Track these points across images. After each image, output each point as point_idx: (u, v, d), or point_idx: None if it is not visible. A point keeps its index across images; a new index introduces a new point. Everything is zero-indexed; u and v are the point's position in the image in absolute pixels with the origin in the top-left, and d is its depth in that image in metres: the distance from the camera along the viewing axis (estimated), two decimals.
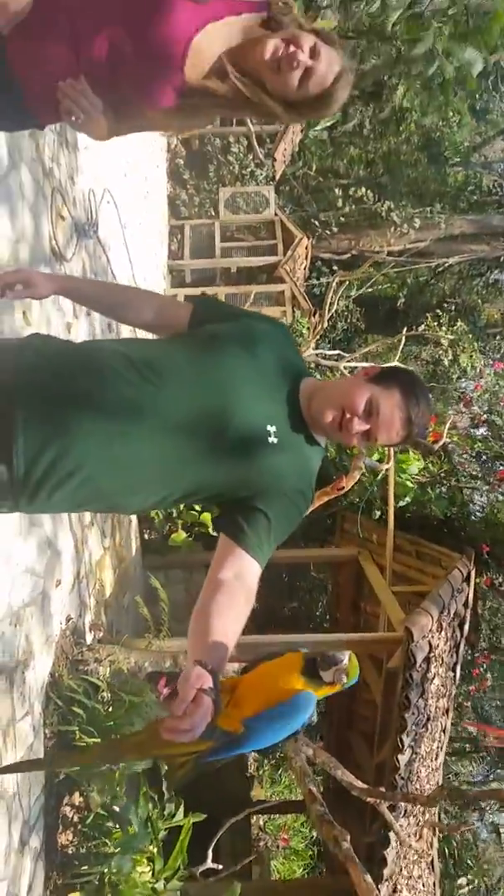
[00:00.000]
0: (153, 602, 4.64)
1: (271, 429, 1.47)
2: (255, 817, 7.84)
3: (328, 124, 10.00)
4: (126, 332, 3.89)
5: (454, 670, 5.11)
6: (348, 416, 1.50)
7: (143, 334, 1.78)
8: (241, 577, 1.43)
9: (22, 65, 1.56)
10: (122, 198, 5.68)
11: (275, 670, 1.50)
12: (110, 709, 3.62)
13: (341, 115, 10.79)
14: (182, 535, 5.52)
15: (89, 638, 4.07)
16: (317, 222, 9.17)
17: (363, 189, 8.95)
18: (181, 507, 5.55)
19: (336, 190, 9.29)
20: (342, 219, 9.16)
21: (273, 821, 8.93)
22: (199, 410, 1.43)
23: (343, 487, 3.60)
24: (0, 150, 3.21)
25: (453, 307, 9.19)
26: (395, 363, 7.29)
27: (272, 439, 1.46)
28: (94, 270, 4.70)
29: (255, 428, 1.46)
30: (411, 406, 1.52)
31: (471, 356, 7.76)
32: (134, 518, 5.57)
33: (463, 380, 8.01)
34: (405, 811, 4.89)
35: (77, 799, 3.58)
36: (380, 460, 4.94)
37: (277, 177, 8.35)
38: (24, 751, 3.11)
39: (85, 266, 4.49)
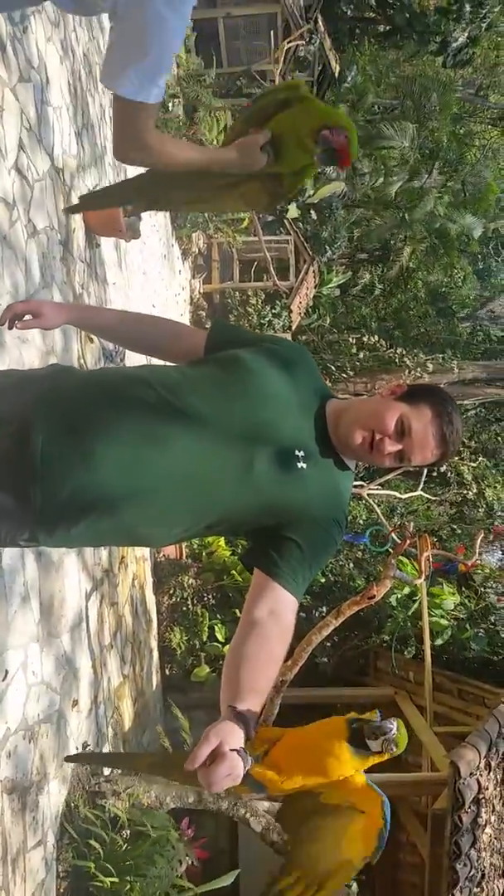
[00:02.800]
0: (174, 745, 4.32)
1: (299, 453, 1.40)
2: None
3: (339, 283, 10.63)
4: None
5: None
6: (379, 436, 1.43)
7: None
8: (275, 613, 1.34)
9: None
10: None
11: (319, 737, 1.35)
12: (129, 847, 3.26)
13: (352, 276, 11.50)
14: (205, 669, 5.25)
15: (107, 770, 3.75)
16: (333, 367, 9.50)
17: (376, 337, 9.33)
18: (204, 637, 5.32)
19: (350, 339, 9.69)
20: (357, 363, 9.48)
21: None
22: (222, 435, 1.37)
23: (374, 596, 3.42)
24: (33, 268, 3.38)
25: (472, 445, 9.27)
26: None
27: (300, 464, 1.40)
28: None
29: (282, 452, 1.39)
30: (444, 423, 1.45)
31: (495, 488, 7.70)
32: (155, 649, 5.32)
33: (492, 515, 7.91)
34: None
35: None
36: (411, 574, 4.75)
37: (294, 326, 8.74)
38: (33, 887, 2.78)
39: None
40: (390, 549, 4.08)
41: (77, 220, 4.03)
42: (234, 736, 1.14)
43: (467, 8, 10.72)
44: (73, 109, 4.09)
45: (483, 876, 4.36)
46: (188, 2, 1.38)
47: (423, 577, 4.17)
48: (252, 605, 1.35)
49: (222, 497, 1.38)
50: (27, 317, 1.51)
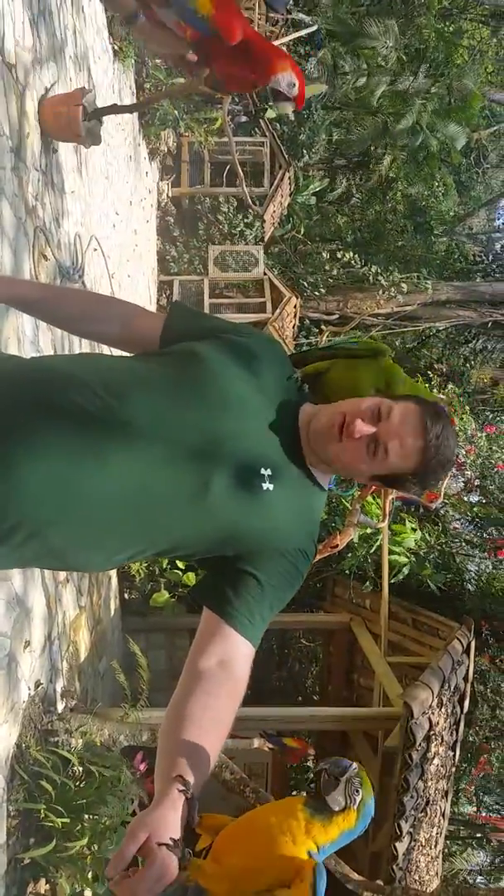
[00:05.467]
0: (131, 668, 4.29)
1: (265, 472, 1.19)
2: None
3: (315, 190, 10.15)
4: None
5: (454, 749, 4.77)
6: (350, 418, 1.23)
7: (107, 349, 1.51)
8: (226, 664, 1.15)
9: None
10: (111, 248, 5.57)
11: (270, 818, 1.16)
12: (81, 785, 3.25)
13: (329, 183, 10.99)
14: (165, 595, 5.21)
15: (60, 706, 3.71)
16: (305, 283, 9.17)
17: (350, 253, 8.98)
18: (164, 563, 5.25)
19: (324, 253, 9.32)
20: (330, 281, 9.16)
21: None
22: (174, 449, 1.15)
23: (337, 545, 3.35)
24: None
25: (442, 370, 9.14)
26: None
27: (266, 485, 1.19)
28: None
29: (245, 471, 1.18)
30: (429, 419, 1.23)
31: (461, 418, 7.62)
32: (114, 576, 5.25)
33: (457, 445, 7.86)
34: None
35: (43, 887, 3.19)
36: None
37: (266, 238, 8.36)
38: None
39: None
40: (355, 493, 3.98)
41: (32, 124, 3.64)
42: (165, 826, 0.95)
43: None
44: None
45: (428, 802, 4.52)
46: None
47: (386, 519, 4.09)
48: (199, 653, 1.16)
49: (171, 523, 1.18)
50: None
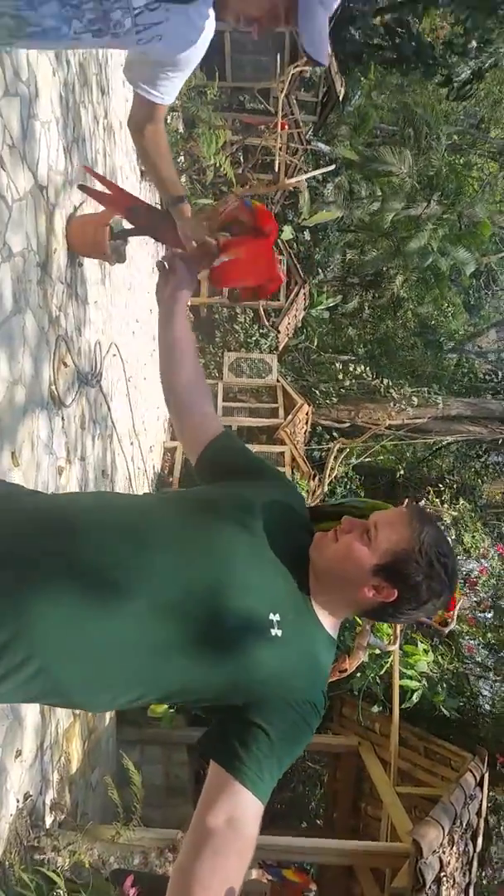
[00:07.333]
0: (125, 781, 4.12)
1: (274, 618, 1.20)
2: None
3: (329, 306, 10.51)
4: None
5: (466, 892, 4.45)
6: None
7: (119, 487, 1.62)
8: (234, 822, 1.10)
9: None
10: (129, 353, 5.74)
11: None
12: None
13: (342, 298, 11.41)
14: (163, 705, 5.04)
15: (49, 820, 3.54)
16: (317, 391, 9.38)
17: (362, 367, 9.23)
18: None
19: (336, 364, 9.59)
20: (342, 391, 9.36)
21: None
22: (186, 593, 1.18)
23: (346, 669, 3.26)
24: (5, 293, 3.19)
25: (454, 485, 9.14)
26: None
27: (275, 631, 1.19)
28: (94, 418, 4.62)
29: (256, 617, 1.20)
30: (415, 512, 1.30)
31: (473, 536, 7.56)
32: None
33: (468, 560, 7.77)
34: None
35: None
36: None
37: (280, 347, 8.61)
38: None
39: (84, 413, 4.41)
40: None
41: (59, 240, 3.84)
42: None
43: (473, 43, 10.70)
44: (63, 122, 3.91)
45: None
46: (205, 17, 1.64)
47: (396, 641, 3.99)
48: (206, 809, 1.12)
49: (178, 670, 1.19)
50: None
